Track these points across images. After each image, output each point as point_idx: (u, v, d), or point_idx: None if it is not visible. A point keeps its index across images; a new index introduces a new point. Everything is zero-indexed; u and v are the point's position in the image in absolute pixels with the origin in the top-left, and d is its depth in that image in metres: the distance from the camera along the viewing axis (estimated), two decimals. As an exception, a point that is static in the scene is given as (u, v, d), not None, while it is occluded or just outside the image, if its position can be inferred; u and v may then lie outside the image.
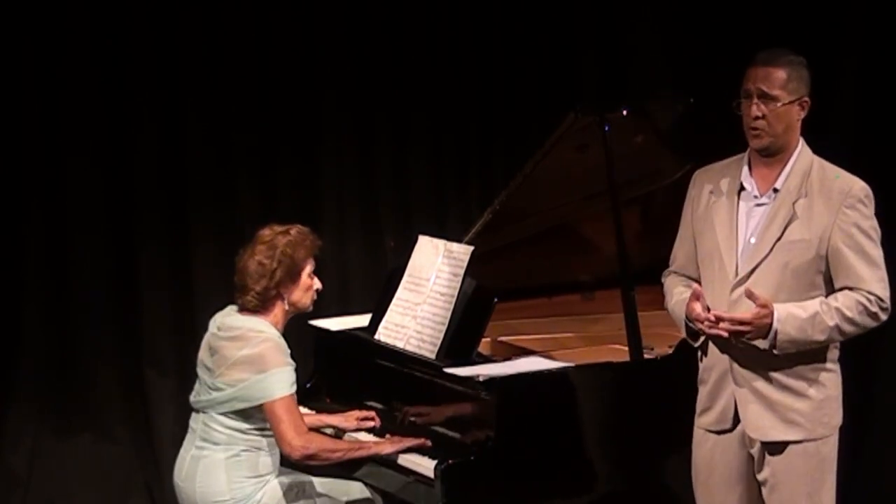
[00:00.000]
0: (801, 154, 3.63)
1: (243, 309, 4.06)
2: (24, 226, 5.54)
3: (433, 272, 4.36)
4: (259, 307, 4.04)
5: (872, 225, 3.58)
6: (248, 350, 3.95)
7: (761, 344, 3.53)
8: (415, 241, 4.54)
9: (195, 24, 5.58)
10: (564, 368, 4.10)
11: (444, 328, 4.22)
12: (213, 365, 4.02)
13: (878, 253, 3.57)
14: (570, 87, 5.71)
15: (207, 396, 4.01)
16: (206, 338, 4.11)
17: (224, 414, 3.99)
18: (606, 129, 4.11)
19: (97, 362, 5.62)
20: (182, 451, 4.11)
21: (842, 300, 3.53)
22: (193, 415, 4.12)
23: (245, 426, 4.00)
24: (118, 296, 5.64)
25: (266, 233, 4.10)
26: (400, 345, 4.36)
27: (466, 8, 5.78)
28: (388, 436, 4.17)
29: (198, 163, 5.66)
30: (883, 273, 3.57)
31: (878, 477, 5.27)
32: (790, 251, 3.56)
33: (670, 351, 4.04)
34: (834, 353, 3.65)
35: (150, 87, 5.57)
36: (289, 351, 4.03)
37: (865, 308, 3.52)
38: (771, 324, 3.49)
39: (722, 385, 3.67)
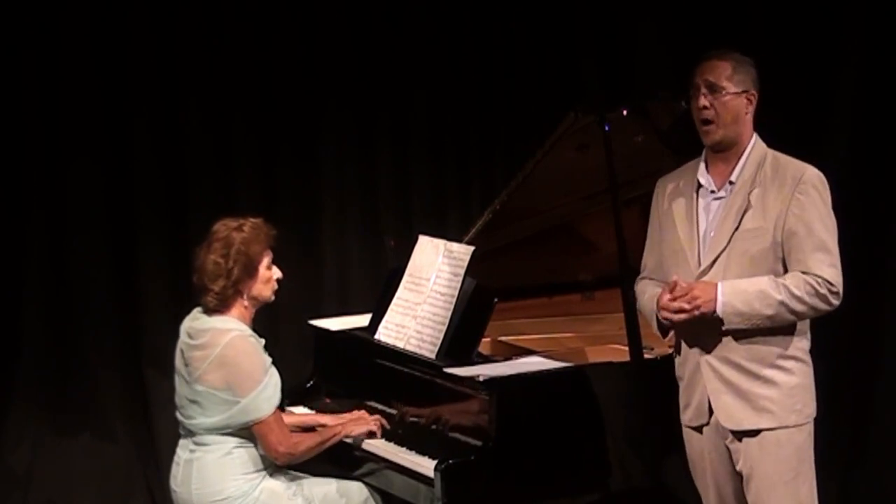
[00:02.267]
0: (755, 147, 3.71)
1: (206, 310, 4.05)
2: (25, 225, 5.55)
3: (433, 272, 4.36)
4: (220, 306, 4.02)
5: (827, 211, 3.62)
6: (218, 350, 3.94)
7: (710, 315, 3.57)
8: (415, 241, 4.54)
9: (195, 23, 5.58)
10: (564, 368, 4.11)
11: (444, 328, 4.22)
12: (188, 375, 4.01)
13: (829, 238, 3.61)
14: (570, 87, 5.71)
15: (190, 421, 4.00)
16: (179, 345, 4.08)
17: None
18: (606, 129, 4.11)
19: (97, 362, 5.62)
20: (175, 457, 4.10)
21: (790, 279, 3.58)
22: (182, 420, 4.10)
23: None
24: (118, 296, 5.64)
25: (220, 229, 4.05)
26: (400, 345, 4.35)
27: (466, 8, 5.78)
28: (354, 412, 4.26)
29: (198, 163, 5.67)
30: (834, 259, 3.60)
31: (879, 477, 5.26)
32: (747, 240, 3.63)
33: (670, 351, 4.03)
34: (803, 343, 3.68)
35: (150, 87, 5.58)
36: (261, 343, 4.02)
37: (814, 289, 3.56)
38: (716, 297, 3.55)
39: (695, 379, 3.73)
